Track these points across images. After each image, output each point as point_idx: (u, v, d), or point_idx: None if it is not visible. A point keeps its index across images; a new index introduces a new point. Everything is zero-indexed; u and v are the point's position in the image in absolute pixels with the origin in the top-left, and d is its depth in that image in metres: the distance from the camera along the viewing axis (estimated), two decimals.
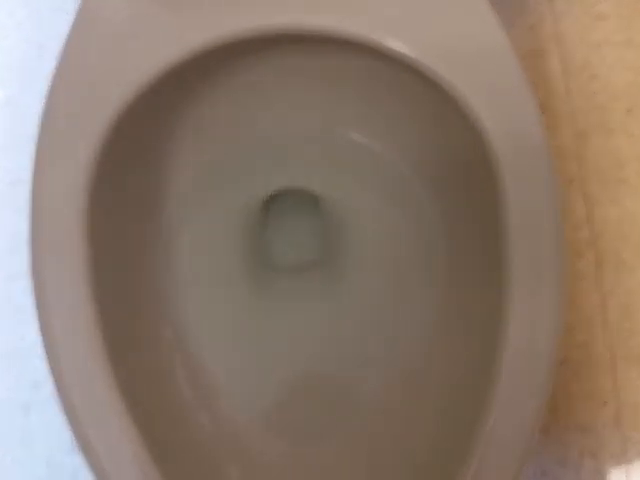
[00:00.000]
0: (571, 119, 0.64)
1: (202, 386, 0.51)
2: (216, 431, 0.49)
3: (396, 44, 0.42)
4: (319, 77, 0.52)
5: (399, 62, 0.43)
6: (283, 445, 0.50)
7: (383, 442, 0.49)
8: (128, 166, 0.48)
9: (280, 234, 0.60)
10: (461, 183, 0.50)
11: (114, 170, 0.45)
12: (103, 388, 0.40)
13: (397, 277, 0.54)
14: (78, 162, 0.42)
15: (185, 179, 0.54)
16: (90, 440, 0.39)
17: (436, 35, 0.43)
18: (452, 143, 0.49)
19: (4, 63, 0.74)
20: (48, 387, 0.64)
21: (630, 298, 0.61)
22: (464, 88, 0.42)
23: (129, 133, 0.45)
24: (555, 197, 0.41)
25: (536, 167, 0.41)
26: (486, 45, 0.43)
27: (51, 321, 0.41)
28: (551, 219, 0.41)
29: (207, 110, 0.53)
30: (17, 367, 0.66)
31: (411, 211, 0.54)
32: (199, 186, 0.55)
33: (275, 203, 0.59)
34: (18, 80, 0.73)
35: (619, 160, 0.64)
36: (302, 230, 0.60)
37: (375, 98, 0.53)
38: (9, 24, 0.75)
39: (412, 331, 0.51)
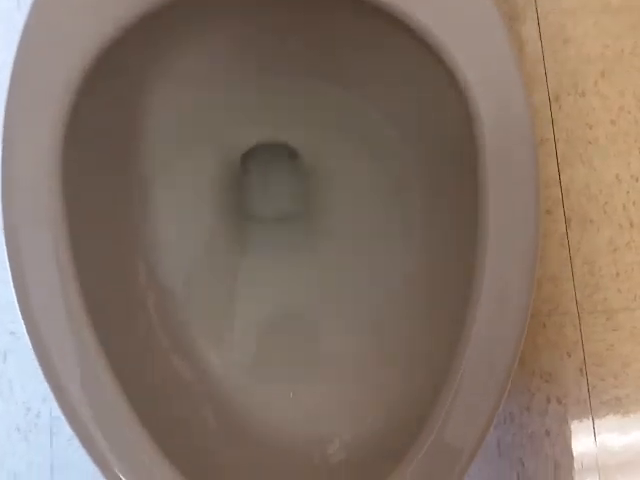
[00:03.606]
0: (545, 82, 0.66)
1: (176, 330, 0.51)
2: (190, 372, 0.51)
3: None
4: (301, 30, 0.52)
5: (380, 12, 0.44)
6: (257, 384, 0.51)
7: (356, 384, 0.51)
8: (101, 121, 0.47)
9: (260, 187, 0.60)
10: (442, 138, 0.51)
11: (87, 125, 0.43)
12: (81, 334, 0.40)
13: (374, 228, 0.55)
14: (48, 120, 0.41)
15: (163, 131, 0.53)
16: (66, 387, 0.39)
17: None
18: (434, 98, 0.49)
19: None
20: (26, 336, 0.66)
21: (595, 255, 0.63)
22: (443, 35, 0.42)
23: (101, 86, 0.43)
24: (533, 149, 0.42)
25: (515, 116, 0.42)
26: None
27: (26, 280, 0.40)
28: (529, 168, 0.42)
29: (187, 62, 0.51)
30: None
31: (390, 164, 0.55)
32: (178, 138, 0.55)
33: (254, 157, 0.60)
34: None
35: (590, 122, 0.66)
36: (282, 183, 0.61)
37: (357, 51, 0.52)
38: None
39: (387, 281, 0.53)
